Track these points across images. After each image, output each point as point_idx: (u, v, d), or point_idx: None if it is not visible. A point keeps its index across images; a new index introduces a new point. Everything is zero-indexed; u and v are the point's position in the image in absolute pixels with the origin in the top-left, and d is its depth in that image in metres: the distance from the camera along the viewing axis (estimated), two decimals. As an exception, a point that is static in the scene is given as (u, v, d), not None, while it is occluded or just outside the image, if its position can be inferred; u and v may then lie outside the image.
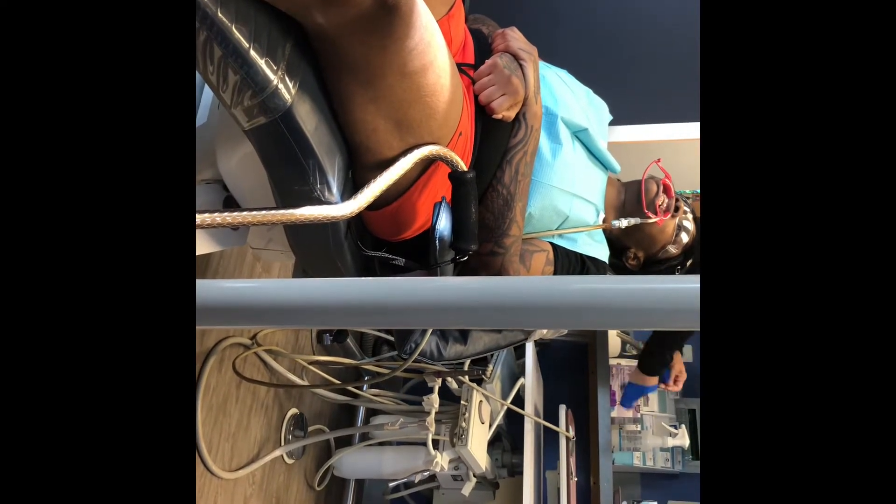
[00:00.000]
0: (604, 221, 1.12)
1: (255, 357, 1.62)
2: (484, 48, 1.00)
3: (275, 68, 0.68)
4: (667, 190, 1.16)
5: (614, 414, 2.00)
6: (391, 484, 2.02)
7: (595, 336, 2.08)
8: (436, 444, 1.60)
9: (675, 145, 1.71)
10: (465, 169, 0.84)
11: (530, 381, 1.73)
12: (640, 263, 1.26)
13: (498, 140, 0.94)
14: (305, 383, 1.76)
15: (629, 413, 2.01)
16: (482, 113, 0.92)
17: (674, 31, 1.81)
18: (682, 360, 1.76)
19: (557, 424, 1.73)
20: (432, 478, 1.80)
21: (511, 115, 0.93)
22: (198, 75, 0.71)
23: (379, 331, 2.02)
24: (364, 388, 1.82)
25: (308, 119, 0.72)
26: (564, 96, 1.06)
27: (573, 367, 2.22)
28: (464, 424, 1.57)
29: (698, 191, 1.68)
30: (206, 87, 0.99)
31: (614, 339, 2.10)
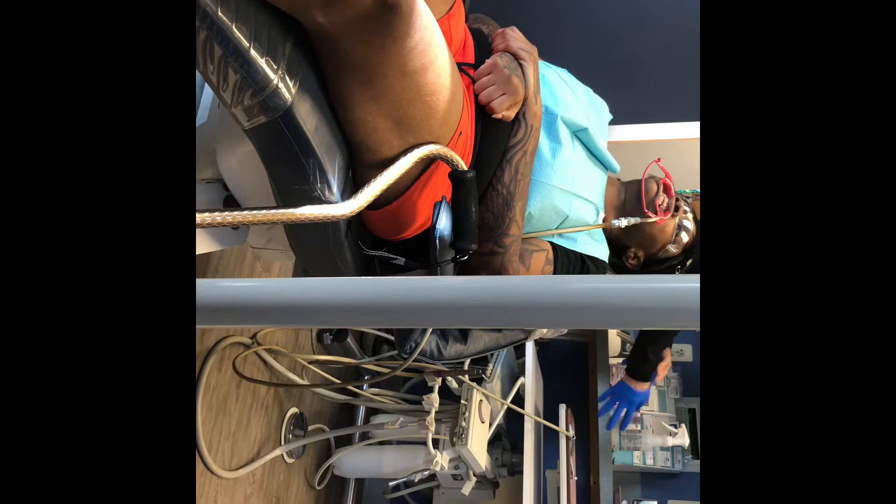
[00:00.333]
0: (604, 221, 1.12)
1: (255, 356, 1.62)
2: (484, 48, 1.00)
3: (275, 67, 0.68)
4: (667, 189, 1.16)
5: (614, 414, 2.00)
6: (391, 483, 2.02)
7: (595, 335, 2.08)
8: (436, 443, 1.60)
9: (675, 145, 1.71)
10: (466, 168, 0.84)
11: (530, 380, 1.73)
12: (640, 263, 1.26)
13: (498, 140, 0.94)
14: (305, 382, 1.76)
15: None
16: (482, 112, 0.92)
17: (674, 31, 1.81)
18: (669, 354, 1.68)
19: (557, 424, 1.73)
20: (432, 477, 1.80)
21: (511, 114, 0.93)
22: (198, 74, 0.71)
23: (379, 330, 2.02)
24: (364, 388, 1.82)
25: (308, 118, 0.72)
26: (564, 96, 1.06)
27: (573, 367, 2.22)
28: (464, 424, 1.57)
29: (698, 191, 1.68)
30: (207, 86, 0.99)
31: (614, 339, 2.10)
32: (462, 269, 0.97)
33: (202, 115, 0.98)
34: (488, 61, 0.93)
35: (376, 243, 0.92)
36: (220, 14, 0.62)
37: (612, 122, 1.24)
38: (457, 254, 0.85)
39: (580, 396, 2.10)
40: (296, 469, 1.82)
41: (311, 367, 1.71)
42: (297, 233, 0.86)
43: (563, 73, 1.14)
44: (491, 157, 0.94)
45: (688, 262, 1.27)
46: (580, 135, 1.09)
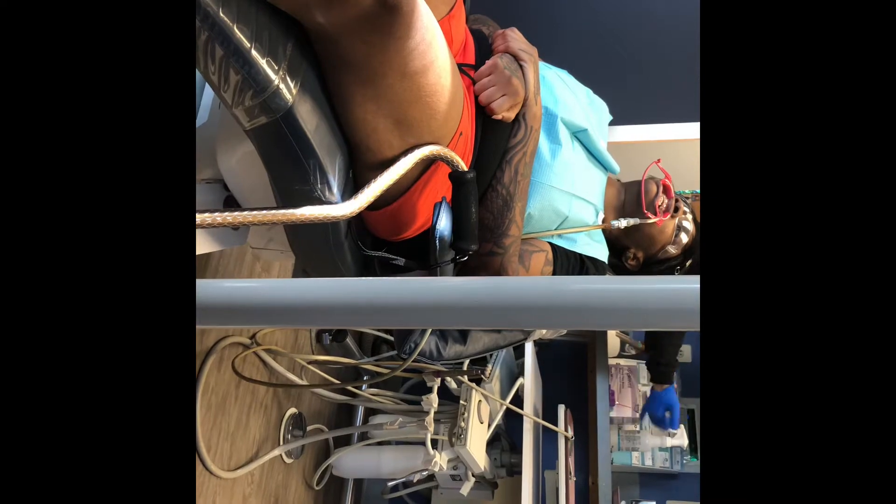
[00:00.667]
0: (603, 222, 1.12)
1: (254, 356, 1.62)
2: (484, 48, 1.00)
3: (276, 68, 0.68)
4: (666, 190, 1.16)
5: (613, 414, 2.00)
6: (390, 483, 2.02)
7: (594, 336, 2.08)
8: (434, 443, 1.60)
9: (675, 145, 1.71)
10: (466, 169, 0.84)
11: (529, 380, 1.73)
12: (639, 264, 1.26)
13: (497, 140, 0.94)
14: (304, 383, 1.76)
15: (628, 412, 2.01)
16: (482, 113, 0.92)
17: (674, 31, 1.81)
18: None
19: (556, 424, 1.73)
20: (431, 477, 1.80)
21: (511, 115, 0.93)
22: (198, 75, 0.71)
23: (378, 330, 2.02)
24: (363, 388, 1.82)
25: (309, 119, 0.72)
26: (564, 96, 1.06)
27: (572, 367, 2.22)
28: (463, 424, 1.57)
29: (698, 191, 1.68)
30: (207, 87, 0.99)
31: (614, 339, 2.10)
32: (462, 270, 0.97)
33: (202, 116, 0.98)
34: (489, 62, 0.93)
35: (376, 244, 0.92)
36: (221, 15, 0.62)
37: (612, 123, 1.24)
38: (456, 254, 0.85)
39: (579, 397, 2.10)
40: (294, 469, 1.82)
41: (310, 367, 1.71)
42: (297, 233, 0.86)
43: (563, 74, 1.14)
44: (491, 157, 0.94)
45: (687, 263, 1.27)
46: (580, 136, 1.09)
